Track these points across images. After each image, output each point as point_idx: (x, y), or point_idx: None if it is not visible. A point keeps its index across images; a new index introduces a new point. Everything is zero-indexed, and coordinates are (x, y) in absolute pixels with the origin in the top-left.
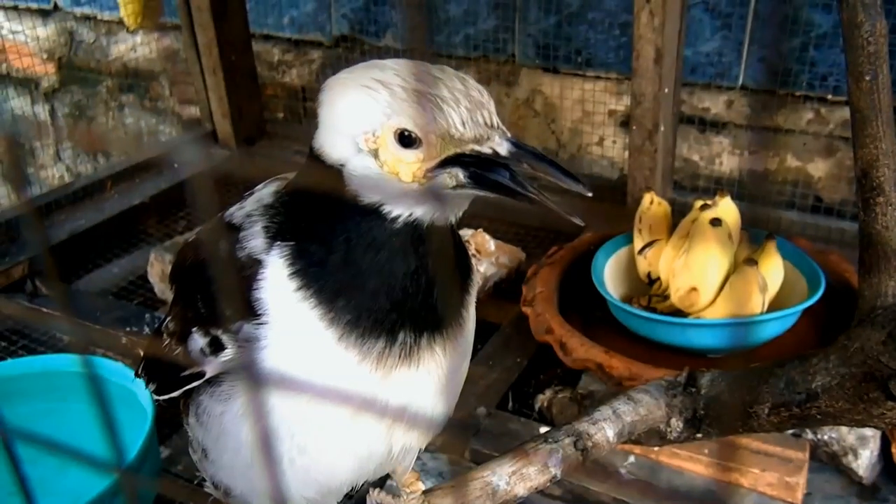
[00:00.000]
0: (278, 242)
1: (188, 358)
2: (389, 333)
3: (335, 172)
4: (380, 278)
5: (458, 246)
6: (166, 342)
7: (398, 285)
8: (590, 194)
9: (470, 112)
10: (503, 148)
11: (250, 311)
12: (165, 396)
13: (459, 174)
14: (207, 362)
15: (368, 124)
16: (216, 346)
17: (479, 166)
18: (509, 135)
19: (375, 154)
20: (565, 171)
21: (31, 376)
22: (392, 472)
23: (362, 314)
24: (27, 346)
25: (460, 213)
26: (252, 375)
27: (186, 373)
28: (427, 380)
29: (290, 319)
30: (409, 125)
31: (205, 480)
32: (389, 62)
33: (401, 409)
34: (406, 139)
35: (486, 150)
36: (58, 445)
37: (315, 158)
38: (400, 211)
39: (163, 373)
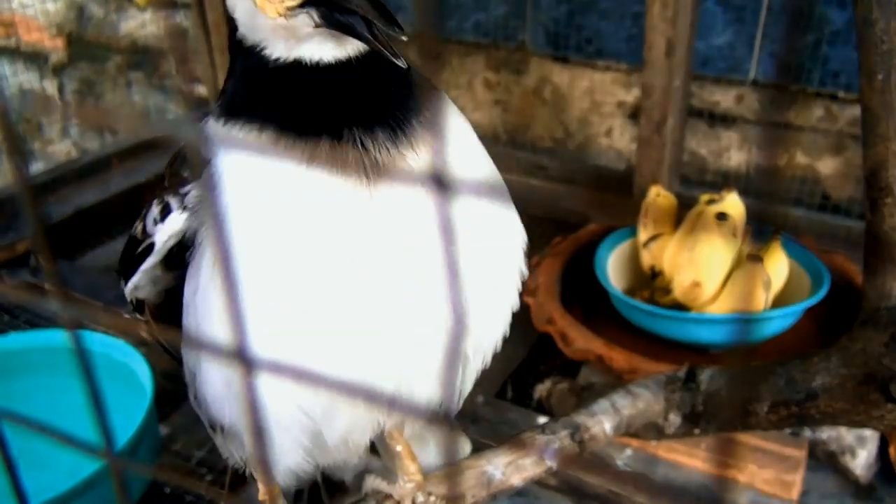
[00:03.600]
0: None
1: (144, 232)
2: (329, 131)
3: (231, 22)
4: (278, 96)
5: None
6: (135, 227)
7: (310, 96)
8: (404, 38)
9: None
10: None
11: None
12: (130, 285)
13: (314, 14)
14: (157, 231)
15: None
16: (165, 212)
17: (331, 5)
18: None
19: None
20: (384, 13)
21: (33, 351)
22: (392, 438)
23: (290, 121)
24: (30, 319)
25: (349, 50)
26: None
27: (139, 249)
28: (418, 197)
29: (230, 155)
30: None
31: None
32: None
33: (400, 239)
34: None
35: None
36: (46, 428)
37: (229, 21)
38: (278, 52)
39: (126, 260)
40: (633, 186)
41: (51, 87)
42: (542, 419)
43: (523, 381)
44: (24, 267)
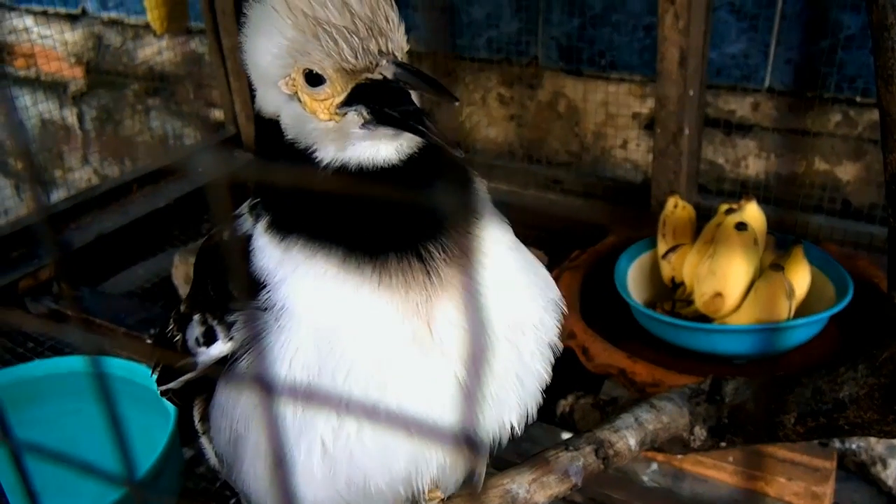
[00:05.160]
0: (260, 212)
1: (176, 354)
2: (393, 249)
3: (274, 125)
4: (339, 210)
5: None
6: (170, 328)
7: (359, 213)
8: (457, 102)
9: (363, 41)
10: (389, 72)
11: (254, 290)
12: (164, 387)
13: (363, 111)
14: (200, 353)
15: (283, 69)
16: (209, 338)
17: (381, 102)
18: (400, 57)
19: (298, 97)
20: (435, 84)
21: (59, 377)
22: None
23: (345, 242)
24: (54, 346)
25: (403, 148)
26: (253, 377)
27: (179, 364)
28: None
29: (287, 273)
30: (311, 64)
31: (225, 486)
32: None
33: (447, 341)
34: (313, 78)
35: (377, 76)
36: (67, 458)
37: (260, 120)
38: (328, 155)
39: (162, 358)
40: (650, 198)
41: (70, 115)
42: (565, 435)
43: (545, 397)
44: (48, 294)
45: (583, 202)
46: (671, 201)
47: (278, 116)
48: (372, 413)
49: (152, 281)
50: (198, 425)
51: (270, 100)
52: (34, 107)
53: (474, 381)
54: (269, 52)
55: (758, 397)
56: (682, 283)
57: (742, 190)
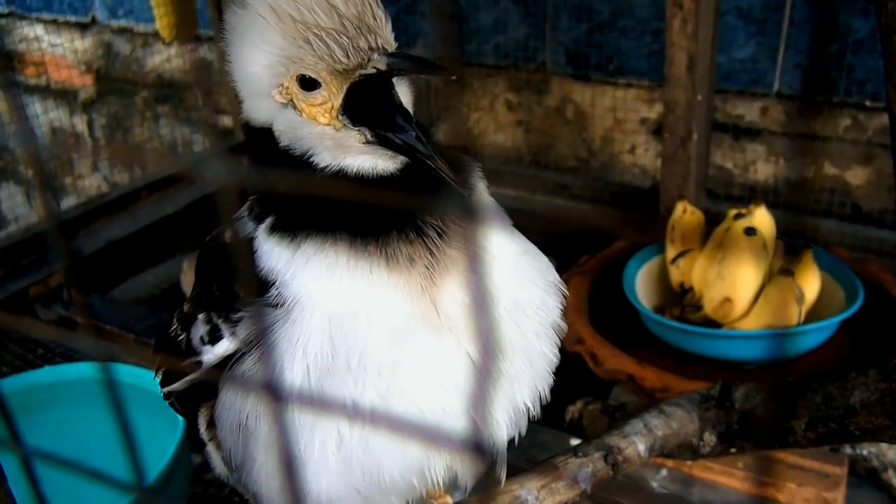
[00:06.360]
0: (261, 215)
1: (177, 359)
2: (396, 230)
3: (267, 133)
4: (342, 205)
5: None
6: (174, 328)
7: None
8: (454, 77)
9: (352, 40)
10: (382, 64)
11: (261, 289)
12: (168, 388)
13: (367, 133)
14: (205, 352)
15: (276, 78)
16: (214, 336)
17: (383, 124)
18: (391, 48)
19: (293, 105)
20: (429, 65)
21: (70, 383)
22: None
23: (350, 229)
24: (64, 353)
25: (399, 162)
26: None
27: (183, 364)
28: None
29: (298, 268)
30: (305, 70)
31: (235, 492)
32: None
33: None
34: (307, 83)
35: (370, 70)
36: (76, 464)
37: (250, 130)
38: (326, 161)
39: (165, 354)
40: (658, 203)
41: (80, 123)
42: (574, 441)
43: (553, 402)
44: (58, 301)
45: (591, 207)
46: (680, 206)
47: (270, 125)
48: (386, 397)
49: (161, 287)
50: (203, 434)
51: (263, 109)
52: (44, 114)
53: (486, 358)
54: (259, 62)
55: (767, 403)
56: (690, 289)
57: (751, 195)
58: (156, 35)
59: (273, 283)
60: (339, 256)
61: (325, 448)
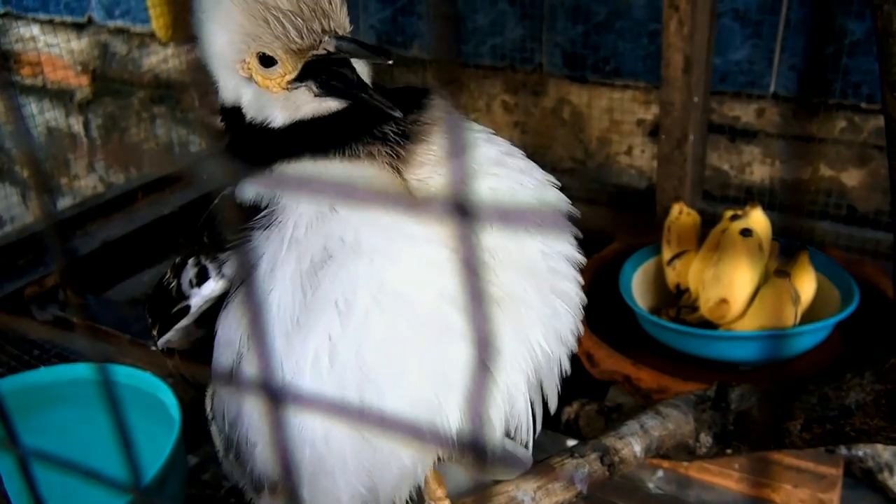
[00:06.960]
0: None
1: (179, 291)
2: (376, 136)
3: (237, 112)
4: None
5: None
6: (166, 276)
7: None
8: (390, 62)
9: (307, 22)
10: (331, 45)
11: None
12: (163, 339)
13: (313, 86)
14: (193, 294)
15: (238, 54)
16: (202, 277)
17: (329, 74)
18: (342, 32)
19: (253, 79)
20: (373, 49)
21: (66, 384)
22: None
23: (324, 138)
24: (60, 353)
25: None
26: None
27: (174, 309)
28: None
29: (273, 190)
30: (263, 47)
31: (231, 494)
32: None
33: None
34: (266, 60)
35: (321, 52)
36: (72, 465)
37: (223, 109)
38: (281, 119)
39: (158, 312)
40: (655, 204)
41: (77, 123)
42: (570, 442)
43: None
44: (54, 301)
45: (587, 208)
46: (676, 208)
47: (240, 104)
48: (381, 291)
49: None
50: (209, 412)
51: (231, 86)
52: (40, 115)
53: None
54: (224, 38)
55: (763, 404)
56: (686, 290)
57: (747, 196)
58: (152, 36)
59: (256, 213)
60: (315, 165)
61: (318, 361)
